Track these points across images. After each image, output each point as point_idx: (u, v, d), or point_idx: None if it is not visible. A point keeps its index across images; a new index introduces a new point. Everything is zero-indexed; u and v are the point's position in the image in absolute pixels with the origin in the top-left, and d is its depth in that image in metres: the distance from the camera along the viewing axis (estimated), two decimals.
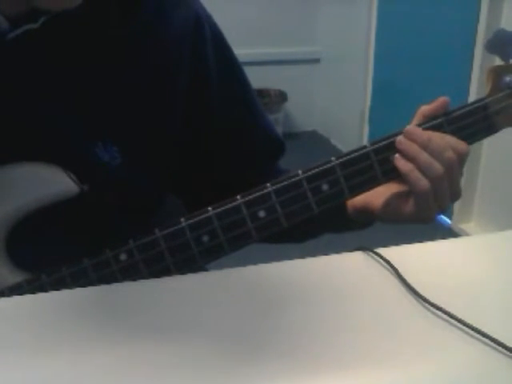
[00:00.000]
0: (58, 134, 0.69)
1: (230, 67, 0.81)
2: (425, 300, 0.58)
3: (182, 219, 0.66)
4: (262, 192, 0.66)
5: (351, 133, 3.37)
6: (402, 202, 0.68)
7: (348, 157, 0.66)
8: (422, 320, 0.57)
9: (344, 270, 0.66)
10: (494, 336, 0.53)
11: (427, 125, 0.67)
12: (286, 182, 0.66)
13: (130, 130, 0.73)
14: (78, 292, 0.62)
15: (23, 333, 0.55)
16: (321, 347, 0.53)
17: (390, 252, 0.66)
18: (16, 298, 0.62)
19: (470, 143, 0.69)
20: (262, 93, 3.50)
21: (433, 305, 0.58)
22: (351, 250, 0.68)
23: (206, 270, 0.79)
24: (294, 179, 0.66)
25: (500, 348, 0.52)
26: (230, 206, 0.66)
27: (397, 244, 0.69)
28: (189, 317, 0.58)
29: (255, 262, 0.68)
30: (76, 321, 0.57)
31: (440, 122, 0.68)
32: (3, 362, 0.51)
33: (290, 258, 0.68)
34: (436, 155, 0.65)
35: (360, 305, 0.59)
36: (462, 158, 0.67)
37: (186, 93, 0.76)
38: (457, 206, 2.57)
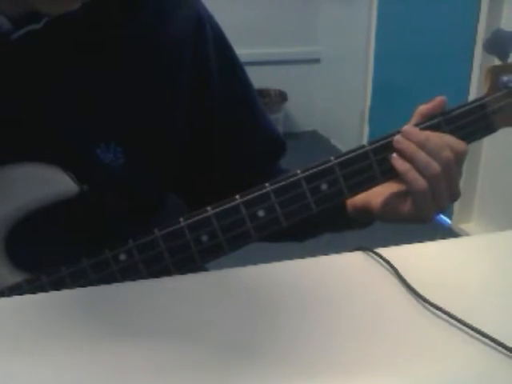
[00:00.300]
0: (59, 135, 0.70)
1: (231, 67, 0.81)
2: (425, 300, 0.58)
3: (181, 219, 0.66)
4: (261, 192, 0.66)
5: (351, 133, 3.37)
6: (401, 202, 0.68)
7: (347, 156, 0.66)
8: (422, 320, 0.57)
9: (344, 270, 0.66)
10: (494, 336, 0.53)
11: (425, 124, 0.68)
12: (285, 182, 0.66)
13: (132, 130, 0.73)
14: (78, 292, 0.62)
15: (23, 333, 0.55)
16: (321, 347, 0.53)
17: (390, 252, 0.66)
18: (16, 298, 0.62)
19: (468, 143, 0.69)
20: (262, 93, 3.50)
21: (433, 305, 0.58)
22: (351, 250, 0.68)
23: (206, 269, 0.79)
24: (292, 179, 0.66)
25: (500, 348, 0.52)
26: (229, 205, 0.66)
27: (397, 244, 0.69)
28: (189, 317, 0.58)
29: (255, 262, 0.68)
30: (76, 321, 0.57)
31: (438, 121, 0.68)
32: (3, 362, 0.51)
33: (290, 258, 0.68)
34: (433, 154, 0.65)
35: (360, 305, 0.59)
36: (460, 158, 0.67)
37: (187, 93, 0.76)
38: (457, 205, 2.57)
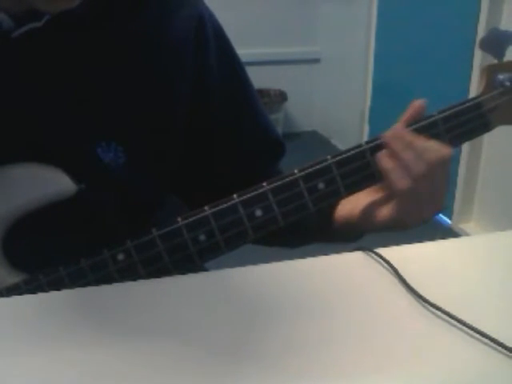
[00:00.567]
0: (60, 134, 0.69)
1: (231, 67, 0.81)
2: (425, 300, 0.58)
3: (179, 219, 0.66)
4: (258, 191, 0.66)
5: (351, 133, 3.37)
6: (382, 208, 0.69)
7: (344, 155, 0.66)
8: (422, 320, 0.56)
9: (344, 270, 0.66)
10: (494, 336, 0.52)
11: (422, 123, 0.67)
12: (282, 181, 0.66)
13: (133, 129, 0.73)
14: (78, 292, 0.62)
15: (22, 333, 0.55)
16: (321, 347, 0.53)
17: (390, 252, 0.66)
18: (15, 298, 0.62)
19: (465, 141, 0.69)
20: (262, 93, 3.50)
21: (432, 305, 0.57)
22: (351, 250, 0.68)
23: (205, 269, 0.79)
24: (290, 178, 0.66)
25: (500, 348, 0.52)
26: (226, 205, 0.66)
27: (397, 244, 0.69)
28: (188, 317, 0.57)
29: (255, 262, 0.68)
30: (75, 321, 0.56)
31: (435, 120, 0.68)
32: (3, 362, 0.51)
33: (290, 258, 0.68)
34: (419, 155, 0.65)
35: (360, 305, 0.59)
36: (444, 162, 0.66)
37: (189, 92, 0.76)
38: (457, 205, 2.57)
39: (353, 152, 0.66)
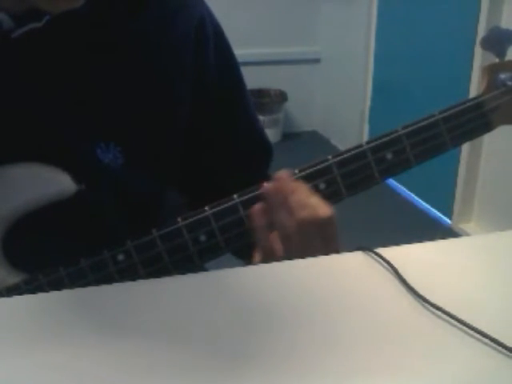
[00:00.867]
0: (59, 134, 0.69)
1: (229, 67, 0.81)
2: (425, 300, 0.58)
3: (179, 219, 0.66)
4: (258, 192, 0.66)
5: (351, 133, 3.37)
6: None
7: (344, 155, 0.66)
8: (422, 320, 0.56)
9: (344, 270, 0.66)
10: (494, 336, 0.52)
11: (424, 122, 0.67)
12: None
13: (132, 130, 0.73)
14: (78, 292, 0.62)
15: (22, 333, 0.55)
16: (320, 347, 0.53)
17: (390, 252, 0.66)
18: (15, 298, 0.62)
19: (466, 141, 0.69)
20: (262, 93, 3.50)
21: (433, 305, 0.57)
22: (351, 250, 0.68)
23: (205, 269, 0.79)
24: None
25: (500, 348, 0.52)
26: (226, 205, 0.66)
27: (397, 244, 0.69)
28: (188, 317, 0.57)
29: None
30: (75, 321, 0.56)
31: (435, 120, 0.67)
32: (3, 362, 0.51)
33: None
34: (293, 210, 0.64)
35: (360, 305, 0.59)
36: (319, 222, 0.65)
37: (188, 93, 0.76)
38: (457, 205, 2.57)
39: (354, 152, 0.66)
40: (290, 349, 0.53)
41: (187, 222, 0.66)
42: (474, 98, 0.69)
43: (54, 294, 0.61)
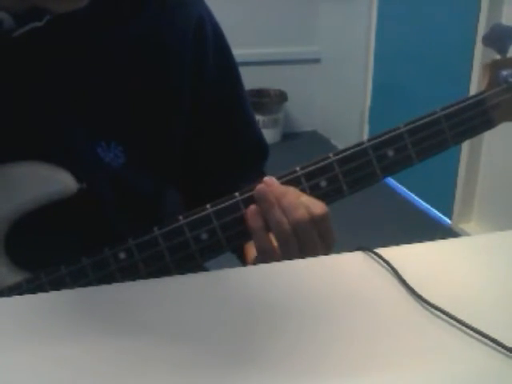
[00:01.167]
0: (60, 133, 0.70)
1: (227, 67, 0.81)
2: (424, 300, 0.58)
3: (181, 217, 0.66)
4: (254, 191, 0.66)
5: (351, 133, 3.37)
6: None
7: (346, 153, 0.66)
8: (422, 320, 0.56)
9: (344, 270, 0.66)
10: (494, 336, 0.52)
11: (426, 119, 0.67)
12: (285, 179, 0.66)
13: (132, 129, 0.73)
14: (78, 292, 0.62)
15: (23, 332, 0.55)
16: (320, 347, 0.53)
17: (390, 252, 0.66)
18: (16, 298, 0.62)
19: (468, 138, 0.68)
20: (262, 93, 3.50)
21: (432, 305, 0.57)
22: (351, 250, 0.68)
23: (206, 269, 0.79)
24: (292, 176, 0.66)
25: (500, 348, 0.52)
26: (228, 203, 0.66)
27: (397, 244, 0.69)
28: (188, 317, 0.57)
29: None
30: (76, 321, 0.57)
31: (438, 116, 0.67)
32: (3, 362, 0.51)
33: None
34: (287, 212, 0.64)
35: (359, 305, 0.59)
36: (315, 219, 0.65)
37: (188, 92, 0.76)
38: (457, 205, 2.57)
39: (355, 149, 0.66)
40: (290, 348, 0.53)
41: (188, 220, 0.66)
42: (476, 95, 0.68)
43: (54, 294, 0.61)
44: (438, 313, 0.57)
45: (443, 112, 0.67)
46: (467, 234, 2.45)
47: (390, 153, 0.67)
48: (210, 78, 0.78)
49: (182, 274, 0.65)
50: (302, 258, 0.66)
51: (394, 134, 0.67)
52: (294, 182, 0.66)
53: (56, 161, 0.68)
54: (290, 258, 0.66)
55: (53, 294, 0.62)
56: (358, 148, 0.66)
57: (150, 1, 0.73)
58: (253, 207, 0.65)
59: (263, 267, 0.67)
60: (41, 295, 0.62)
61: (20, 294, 0.66)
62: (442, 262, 0.67)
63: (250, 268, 0.68)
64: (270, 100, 3.51)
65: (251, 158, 0.86)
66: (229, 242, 0.67)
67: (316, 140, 3.69)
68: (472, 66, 2.37)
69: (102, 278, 0.67)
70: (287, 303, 0.60)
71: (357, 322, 0.56)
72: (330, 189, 0.66)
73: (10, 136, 0.68)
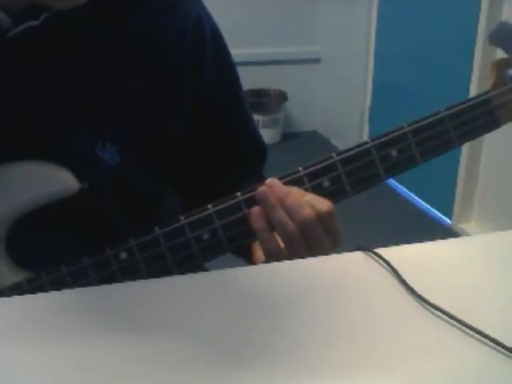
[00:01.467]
0: (59, 133, 0.70)
1: (226, 67, 0.81)
2: (424, 300, 0.58)
3: (182, 217, 0.66)
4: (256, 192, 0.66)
5: (351, 133, 3.37)
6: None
7: (349, 153, 0.66)
8: (422, 320, 0.56)
9: (344, 270, 0.66)
10: (494, 336, 0.52)
11: (430, 119, 0.66)
12: (287, 179, 0.66)
13: (127, 129, 0.73)
14: (78, 292, 0.62)
15: (23, 332, 0.55)
16: (320, 347, 0.53)
17: (390, 252, 0.66)
18: (16, 298, 0.62)
19: (472, 138, 0.67)
20: (262, 93, 3.50)
21: (432, 305, 0.57)
22: (351, 250, 0.68)
23: (206, 269, 0.79)
24: (295, 176, 0.66)
25: (500, 348, 0.52)
26: (230, 203, 0.66)
27: (397, 244, 0.69)
28: (188, 317, 0.58)
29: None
30: (76, 321, 0.57)
31: (442, 116, 0.67)
32: (3, 362, 0.51)
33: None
34: (291, 212, 0.64)
35: (359, 305, 0.59)
36: (321, 217, 0.64)
37: (185, 92, 0.76)
38: (457, 205, 2.57)
39: (358, 149, 0.66)
40: (290, 348, 0.53)
41: (190, 220, 0.66)
42: (481, 95, 0.67)
43: (54, 294, 0.61)
44: (438, 313, 0.57)
45: (447, 112, 0.67)
46: (467, 234, 2.45)
47: (394, 153, 0.66)
48: (209, 78, 0.78)
49: (183, 274, 0.65)
50: (310, 256, 0.66)
51: (397, 133, 0.66)
52: (297, 182, 0.66)
53: (56, 160, 0.68)
54: (298, 258, 0.66)
55: (53, 294, 0.62)
56: (362, 148, 0.66)
57: (147, 1, 0.73)
58: (256, 209, 0.65)
59: (263, 267, 0.67)
60: (41, 295, 0.62)
61: (20, 293, 0.65)
62: (441, 261, 0.67)
63: (250, 268, 0.68)
64: (270, 100, 3.51)
65: (249, 159, 0.86)
66: (230, 243, 0.67)
67: (316, 140, 3.69)
68: (472, 66, 2.37)
69: (103, 278, 0.67)
70: (287, 303, 0.60)
71: (357, 322, 0.57)
72: (332, 189, 0.66)
73: (9, 136, 0.68)
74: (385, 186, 2.93)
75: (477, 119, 0.67)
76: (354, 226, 2.24)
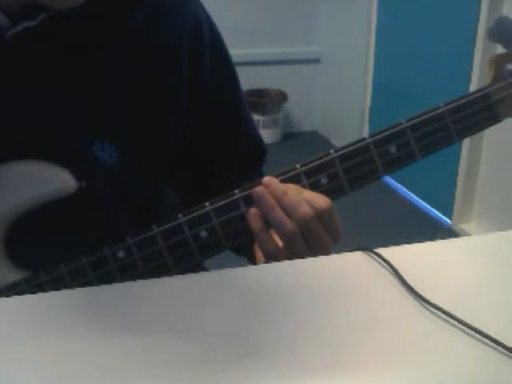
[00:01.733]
0: (56, 132, 0.70)
1: (224, 68, 0.81)
2: (424, 300, 0.58)
3: (180, 215, 0.66)
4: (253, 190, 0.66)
5: (351, 133, 3.37)
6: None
7: (347, 149, 0.66)
8: (422, 320, 0.56)
9: (344, 269, 0.66)
10: (494, 336, 0.52)
11: (429, 115, 0.66)
12: (285, 176, 0.66)
13: (125, 128, 0.73)
14: (78, 292, 0.62)
15: (23, 333, 0.55)
16: (320, 347, 0.53)
17: (390, 252, 0.66)
18: (16, 298, 0.62)
19: (472, 134, 0.67)
20: (262, 93, 3.50)
21: (432, 305, 0.57)
22: (351, 250, 0.68)
23: (206, 269, 0.79)
24: (292, 173, 0.66)
25: (500, 348, 0.52)
26: (227, 200, 0.66)
27: (397, 244, 0.69)
28: (188, 317, 0.57)
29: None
30: (76, 321, 0.57)
31: (441, 111, 0.67)
32: (3, 362, 0.51)
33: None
34: (289, 210, 0.63)
35: (360, 305, 0.59)
36: (320, 214, 0.64)
37: (184, 92, 0.76)
38: (457, 205, 2.57)
39: (356, 146, 0.66)
40: (290, 348, 0.53)
41: (188, 217, 0.66)
42: (481, 90, 0.67)
43: (54, 294, 0.61)
44: (438, 312, 0.57)
45: (447, 107, 0.66)
46: (467, 234, 2.45)
47: (393, 149, 0.66)
48: (207, 78, 0.78)
49: (182, 273, 0.65)
50: (311, 255, 0.66)
51: (396, 129, 0.66)
52: (294, 180, 0.66)
53: (54, 160, 0.68)
54: (298, 258, 0.66)
55: (53, 294, 0.62)
56: (360, 144, 0.66)
57: (145, 0, 0.73)
58: (253, 210, 0.65)
59: (263, 267, 0.67)
60: (41, 295, 0.62)
61: (19, 292, 0.65)
62: (441, 262, 0.67)
63: (250, 268, 0.68)
64: (270, 100, 3.51)
65: (249, 158, 0.86)
66: (228, 240, 0.66)
67: (316, 140, 3.69)
68: (472, 66, 2.37)
69: (101, 276, 0.67)
70: (287, 303, 0.60)
71: (357, 322, 0.57)
72: (330, 186, 0.66)
73: (6, 135, 0.68)
74: (385, 185, 2.93)
75: (476, 114, 0.67)
76: (353, 226, 2.24)
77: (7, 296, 0.64)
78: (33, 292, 0.62)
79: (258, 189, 0.64)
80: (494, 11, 2.29)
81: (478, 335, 0.53)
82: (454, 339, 0.54)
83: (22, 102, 0.68)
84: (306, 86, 3.74)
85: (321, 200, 0.64)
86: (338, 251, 0.68)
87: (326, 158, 0.65)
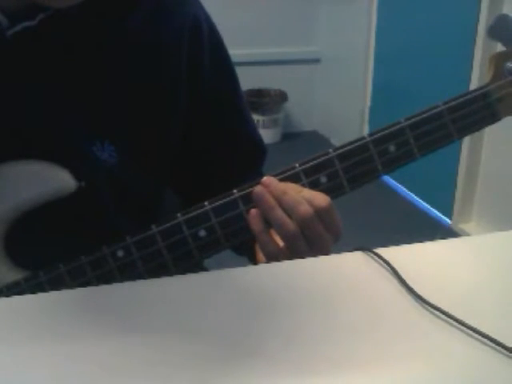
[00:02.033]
0: (55, 132, 0.70)
1: (223, 68, 0.81)
2: (424, 300, 0.58)
3: (179, 214, 0.66)
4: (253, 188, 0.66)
5: (351, 133, 3.37)
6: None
7: (346, 148, 0.66)
8: (422, 320, 0.56)
9: (344, 270, 0.66)
10: (494, 336, 0.52)
11: (428, 113, 0.66)
12: (283, 175, 0.66)
13: (125, 128, 0.73)
14: (78, 292, 0.62)
15: (22, 332, 0.55)
16: (320, 347, 0.53)
17: (390, 252, 0.66)
18: (16, 298, 0.62)
19: (471, 132, 0.67)
20: (262, 93, 3.50)
21: (432, 305, 0.57)
22: (351, 250, 0.68)
23: (206, 269, 0.79)
24: (291, 172, 0.66)
25: (500, 348, 0.52)
26: (226, 200, 0.66)
27: (397, 244, 0.69)
28: (188, 317, 0.57)
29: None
30: (76, 321, 0.57)
31: (441, 110, 0.67)
32: (3, 362, 0.51)
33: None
34: (290, 210, 0.63)
35: (359, 305, 0.59)
36: (320, 213, 0.64)
37: (183, 92, 0.76)
38: (457, 205, 2.57)
39: (356, 145, 0.66)
40: (289, 348, 0.53)
41: (187, 217, 0.66)
42: (480, 88, 0.67)
43: (54, 294, 0.61)
44: (438, 313, 0.57)
45: (446, 105, 0.66)
46: (467, 234, 2.45)
47: (392, 148, 0.66)
48: (207, 78, 0.78)
49: (182, 273, 0.65)
50: (312, 255, 0.66)
51: (395, 128, 0.66)
52: (294, 179, 0.66)
53: (54, 160, 0.68)
54: (299, 257, 0.65)
55: (53, 294, 0.62)
56: (359, 143, 0.66)
57: (144, 0, 0.73)
58: (253, 211, 0.65)
59: (263, 267, 0.67)
60: (41, 295, 0.62)
61: (19, 292, 0.65)
62: (441, 261, 0.67)
63: (250, 268, 0.68)
64: (270, 100, 3.51)
65: (249, 158, 0.86)
66: (227, 240, 0.66)
67: (316, 140, 3.69)
68: (472, 66, 2.37)
69: (100, 276, 0.67)
70: (287, 303, 0.60)
71: (356, 322, 0.56)
72: (330, 185, 0.66)
73: (6, 135, 0.68)
74: (385, 185, 2.93)
75: (475, 112, 0.67)
76: (353, 226, 2.24)
77: (7, 296, 0.65)
78: (32, 292, 0.62)
79: (258, 188, 0.64)
80: (494, 11, 2.29)
81: (477, 335, 0.53)
82: (453, 339, 0.54)
83: (21, 101, 0.68)
84: (306, 86, 3.74)
85: (320, 198, 0.64)
86: (338, 251, 0.68)
87: (325, 157, 0.65)
